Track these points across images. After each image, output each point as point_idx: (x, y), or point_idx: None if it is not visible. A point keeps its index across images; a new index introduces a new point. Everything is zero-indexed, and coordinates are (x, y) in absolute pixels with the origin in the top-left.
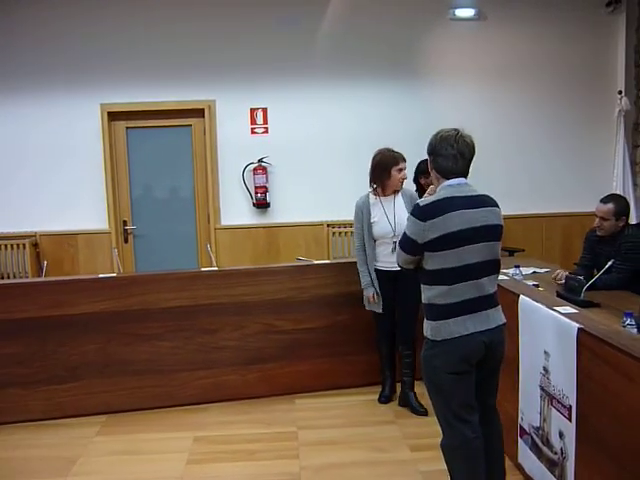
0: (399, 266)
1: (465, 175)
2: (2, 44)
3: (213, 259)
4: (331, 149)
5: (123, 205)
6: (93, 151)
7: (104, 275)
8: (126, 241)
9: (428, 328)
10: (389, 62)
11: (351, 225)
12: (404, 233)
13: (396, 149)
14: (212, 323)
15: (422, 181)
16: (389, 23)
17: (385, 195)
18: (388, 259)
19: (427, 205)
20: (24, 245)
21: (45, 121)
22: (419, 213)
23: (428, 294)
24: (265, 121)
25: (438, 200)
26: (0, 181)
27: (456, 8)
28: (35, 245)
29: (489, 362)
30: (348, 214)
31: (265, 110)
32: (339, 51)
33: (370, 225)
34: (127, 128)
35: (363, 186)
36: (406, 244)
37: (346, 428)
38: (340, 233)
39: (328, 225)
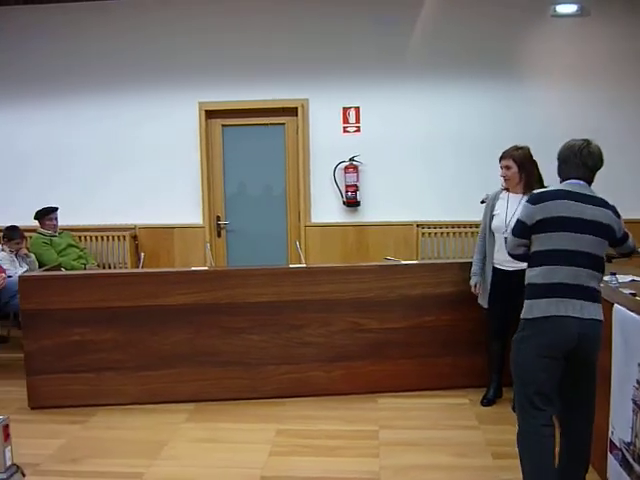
0: (508, 254)
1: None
2: (105, 46)
3: (302, 256)
4: (423, 149)
5: (217, 201)
6: (191, 148)
7: (196, 268)
8: (219, 236)
9: (524, 308)
10: (484, 61)
11: (440, 226)
12: (517, 219)
13: (490, 149)
14: (298, 319)
15: None
16: (485, 22)
17: (514, 192)
18: (500, 256)
19: (540, 192)
20: (124, 237)
21: (147, 119)
22: (531, 198)
23: (528, 275)
24: (357, 120)
25: (551, 189)
26: (105, 176)
27: (557, 4)
28: (134, 237)
29: (579, 356)
30: (438, 214)
31: (357, 109)
32: (433, 50)
33: (492, 217)
34: (223, 126)
35: (453, 186)
36: (516, 227)
37: (428, 430)
38: (430, 234)
39: (418, 225)
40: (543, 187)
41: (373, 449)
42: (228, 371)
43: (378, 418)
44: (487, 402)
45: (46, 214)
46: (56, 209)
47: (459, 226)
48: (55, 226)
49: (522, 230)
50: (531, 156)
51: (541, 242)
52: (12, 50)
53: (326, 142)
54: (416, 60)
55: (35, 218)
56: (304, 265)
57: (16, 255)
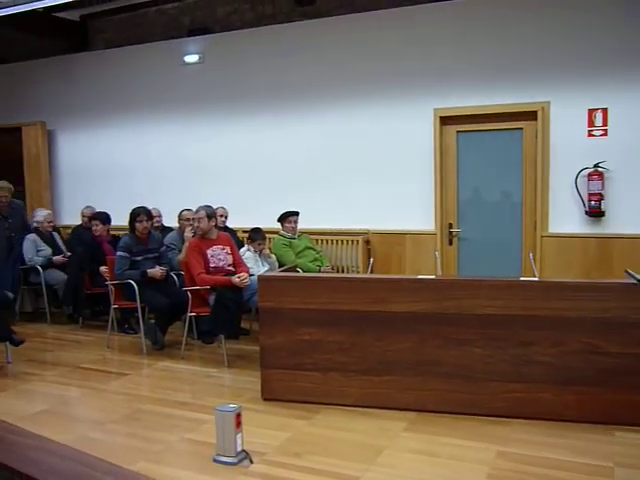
0: None
1: None
2: (336, 57)
3: (535, 269)
4: None
5: (450, 208)
6: (425, 154)
7: (423, 277)
8: (450, 243)
9: None
10: None
11: None
12: None
13: None
14: (527, 336)
15: None
16: None
17: None
18: None
19: None
20: (357, 241)
21: (382, 126)
22: None
23: None
24: (604, 123)
25: None
26: (341, 181)
27: None
28: (367, 242)
29: None
30: None
31: (605, 111)
32: None
33: None
34: (458, 132)
35: None
36: None
37: None
38: None
39: None
40: None
41: None
42: (451, 383)
43: (614, 453)
44: None
45: (286, 217)
46: (297, 213)
47: None
48: (294, 229)
49: None
50: None
51: None
52: (235, 68)
53: (568, 147)
54: None
55: (278, 221)
56: (536, 278)
57: (259, 255)
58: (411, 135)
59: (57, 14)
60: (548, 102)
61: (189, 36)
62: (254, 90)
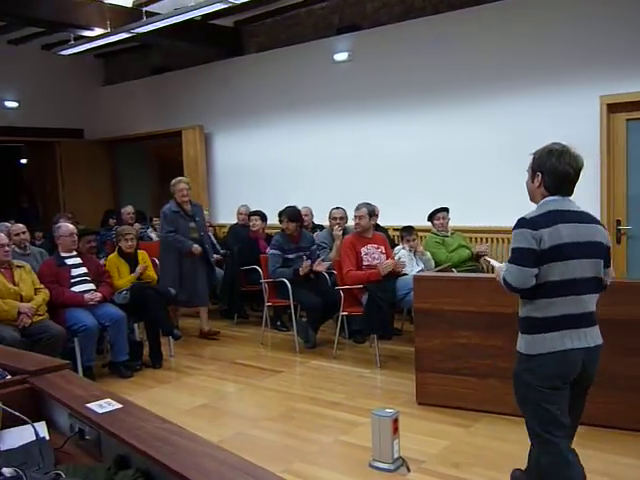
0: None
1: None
2: (489, 47)
3: None
4: None
5: (618, 203)
6: (589, 145)
7: None
8: (618, 242)
9: (522, 342)
10: None
11: None
12: (515, 250)
13: None
14: None
15: None
16: None
17: None
18: None
19: (536, 217)
20: (507, 240)
21: (541, 115)
22: (529, 224)
23: (526, 307)
24: None
25: (547, 212)
26: (498, 177)
27: None
28: None
29: (581, 382)
30: None
31: None
32: None
33: None
34: (627, 120)
35: None
36: (524, 258)
37: None
38: None
39: None
40: None
41: None
42: (624, 396)
43: None
44: None
45: (435, 214)
46: (445, 209)
47: None
48: (443, 225)
49: (532, 258)
50: None
51: (542, 274)
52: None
53: None
54: None
55: (427, 220)
56: None
57: (414, 254)
58: (573, 125)
59: (213, 21)
60: None
61: (338, 34)
62: (405, 85)
